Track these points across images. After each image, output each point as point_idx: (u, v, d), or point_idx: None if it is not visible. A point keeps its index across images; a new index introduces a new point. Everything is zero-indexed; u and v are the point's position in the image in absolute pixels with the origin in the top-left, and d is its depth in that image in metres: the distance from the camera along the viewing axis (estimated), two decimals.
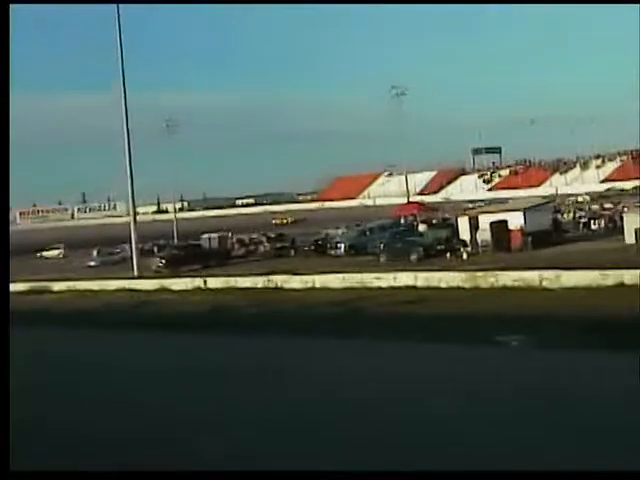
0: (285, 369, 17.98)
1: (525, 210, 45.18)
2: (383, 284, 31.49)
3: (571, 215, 62.35)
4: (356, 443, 9.52)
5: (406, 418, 12.56)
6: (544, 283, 27.71)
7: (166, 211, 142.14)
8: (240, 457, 9.05)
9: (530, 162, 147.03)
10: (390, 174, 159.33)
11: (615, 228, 48.50)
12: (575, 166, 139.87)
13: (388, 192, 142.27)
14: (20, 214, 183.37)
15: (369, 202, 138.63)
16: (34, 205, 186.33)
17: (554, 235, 45.64)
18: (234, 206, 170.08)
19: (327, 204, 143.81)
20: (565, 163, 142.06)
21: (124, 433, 10.63)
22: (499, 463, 8.43)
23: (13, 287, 46.68)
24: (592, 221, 55.34)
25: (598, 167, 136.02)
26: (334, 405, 13.37)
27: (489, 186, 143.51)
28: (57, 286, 45.37)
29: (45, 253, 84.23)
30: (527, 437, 9.75)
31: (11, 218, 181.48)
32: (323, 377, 16.44)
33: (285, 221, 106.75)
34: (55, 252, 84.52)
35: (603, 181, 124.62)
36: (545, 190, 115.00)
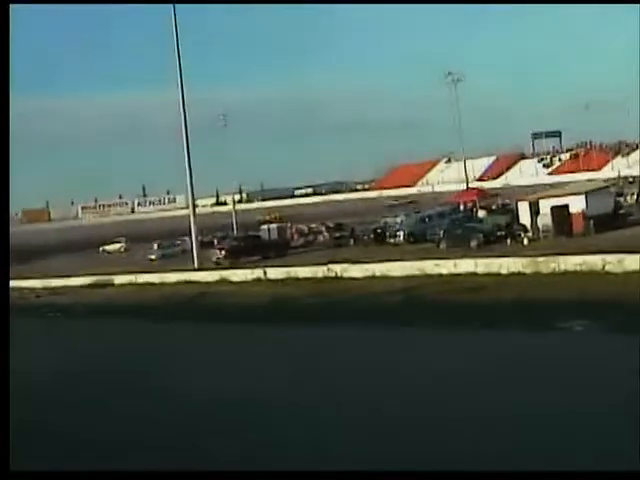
0: (349, 359, 18.01)
1: (586, 194, 44.50)
2: (443, 271, 31.24)
3: (634, 198, 61.29)
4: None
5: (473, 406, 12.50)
6: (607, 267, 27.24)
7: (225, 203, 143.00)
8: None
9: (591, 145, 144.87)
10: (449, 161, 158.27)
11: None
12: (638, 148, 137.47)
13: (447, 179, 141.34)
14: (82, 209, 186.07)
15: (428, 189, 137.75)
16: (95, 200, 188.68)
17: (616, 219, 44.89)
18: (293, 196, 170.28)
19: (385, 192, 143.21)
20: (627, 145, 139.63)
21: None
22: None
23: (77, 281, 47.52)
24: None
25: None
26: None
27: (549, 170, 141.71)
28: (119, 279, 45.88)
29: (107, 247, 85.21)
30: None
31: (73, 213, 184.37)
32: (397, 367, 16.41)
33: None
34: (117, 246, 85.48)
35: None
36: (607, 173, 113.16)
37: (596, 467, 9.18)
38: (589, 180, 76.64)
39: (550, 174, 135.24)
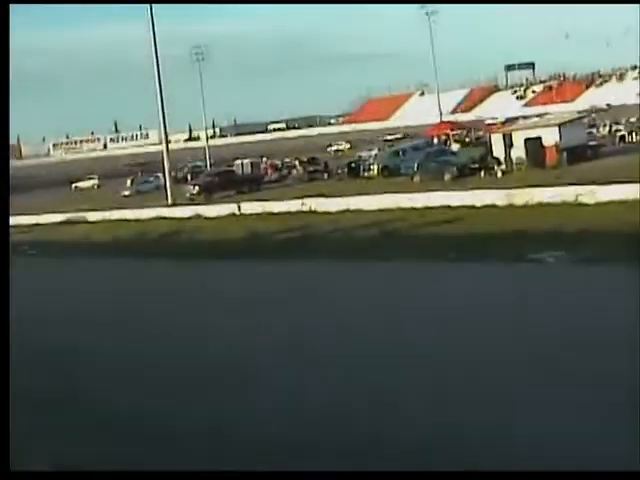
0: (321, 290, 18.14)
1: (559, 126, 44.48)
2: (417, 205, 31.26)
3: (607, 129, 61.45)
4: None
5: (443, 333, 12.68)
6: (580, 199, 27.36)
7: (198, 138, 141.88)
8: None
9: (564, 76, 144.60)
10: (422, 94, 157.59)
11: None
12: (611, 79, 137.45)
13: (420, 112, 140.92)
14: (54, 145, 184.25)
15: (401, 123, 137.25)
16: (67, 137, 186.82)
17: (589, 150, 44.99)
18: (266, 131, 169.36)
19: (359, 126, 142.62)
20: (601, 76, 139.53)
21: None
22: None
23: (50, 218, 47.19)
24: (630, 134, 54.48)
25: (635, 79, 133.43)
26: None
27: (523, 103, 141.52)
28: (92, 216, 45.63)
29: (79, 184, 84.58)
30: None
31: (45, 150, 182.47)
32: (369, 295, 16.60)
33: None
34: (89, 183, 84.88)
35: None
36: (580, 105, 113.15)
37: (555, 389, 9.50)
38: (562, 113, 76.58)
39: (524, 106, 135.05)
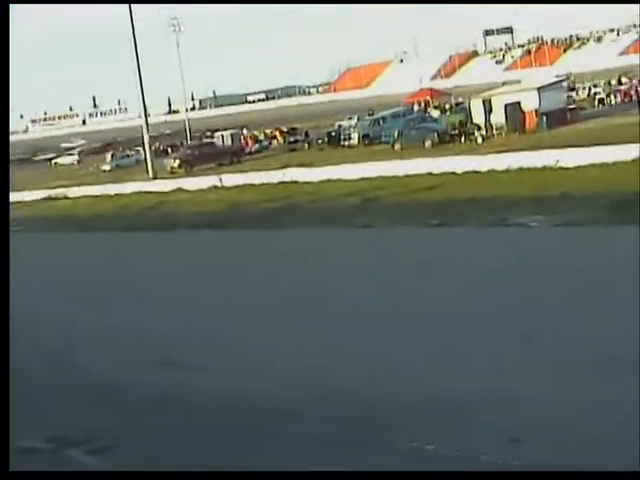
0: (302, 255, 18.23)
1: (538, 90, 44.53)
2: (398, 172, 31.27)
3: (586, 92, 61.48)
4: None
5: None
6: (560, 163, 27.45)
7: (177, 112, 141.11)
8: None
9: (543, 40, 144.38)
10: (401, 61, 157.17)
11: (632, 102, 47.87)
12: (589, 41, 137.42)
13: (400, 80, 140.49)
14: (32, 122, 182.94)
15: (381, 91, 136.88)
16: (45, 113, 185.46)
17: (569, 113, 45.11)
18: (246, 102, 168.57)
19: (338, 95, 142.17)
20: (579, 39, 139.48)
21: None
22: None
23: (31, 195, 46.95)
24: (608, 97, 54.60)
25: (613, 41, 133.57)
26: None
27: (502, 67, 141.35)
28: (74, 192, 45.41)
29: (59, 160, 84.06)
30: None
31: (23, 127, 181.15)
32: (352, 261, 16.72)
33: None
34: (69, 159, 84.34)
35: (621, 55, 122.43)
36: (560, 68, 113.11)
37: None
38: (541, 76, 76.52)
39: (503, 71, 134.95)
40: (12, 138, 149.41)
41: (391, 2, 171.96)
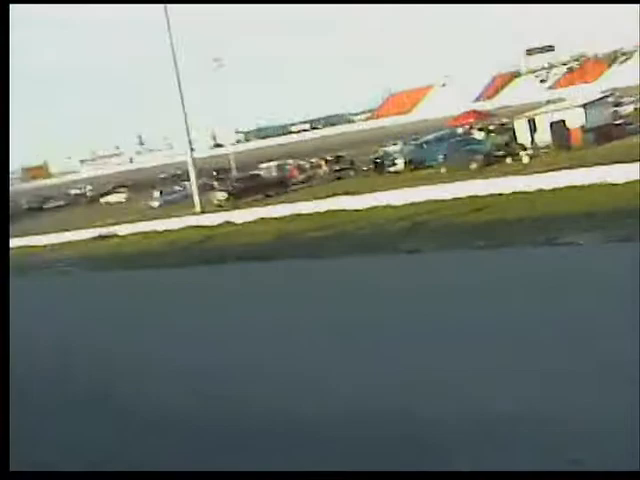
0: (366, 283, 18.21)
1: (584, 106, 44.23)
2: (445, 196, 31.16)
3: (632, 107, 60.90)
4: None
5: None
6: (609, 179, 27.14)
7: (222, 145, 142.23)
8: None
9: (586, 56, 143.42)
10: (443, 85, 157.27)
11: None
12: (633, 55, 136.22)
13: (443, 103, 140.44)
14: (81, 162, 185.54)
15: (424, 116, 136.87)
16: (92, 153, 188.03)
17: (615, 129, 44.67)
18: (290, 133, 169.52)
19: (381, 121, 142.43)
20: (623, 54, 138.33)
21: None
22: None
23: (82, 235, 47.57)
24: None
25: None
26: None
27: (545, 86, 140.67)
28: (123, 229, 45.91)
29: (108, 198, 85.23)
30: None
31: (72, 167, 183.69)
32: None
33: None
34: (118, 197, 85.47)
35: None
36: (605, 83, 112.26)
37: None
38: (586, 93, 76.04)
39: (547, 89, 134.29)
40: (63, 179, 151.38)
41: (429, 28, 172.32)
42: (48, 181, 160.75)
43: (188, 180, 58.01)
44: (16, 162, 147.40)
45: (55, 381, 13.26)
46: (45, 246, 47.64)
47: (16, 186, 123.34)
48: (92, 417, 10.96)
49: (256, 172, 62.05)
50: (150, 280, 26.09)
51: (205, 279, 24.20)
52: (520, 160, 40.97)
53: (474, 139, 51.63)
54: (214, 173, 78.92)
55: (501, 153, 43.22)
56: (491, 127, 59.78)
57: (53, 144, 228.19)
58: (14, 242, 48.68)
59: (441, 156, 45.65)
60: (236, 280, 22.85)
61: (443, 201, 30.34)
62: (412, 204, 31.14)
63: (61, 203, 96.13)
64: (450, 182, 33.59)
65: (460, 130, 64.21)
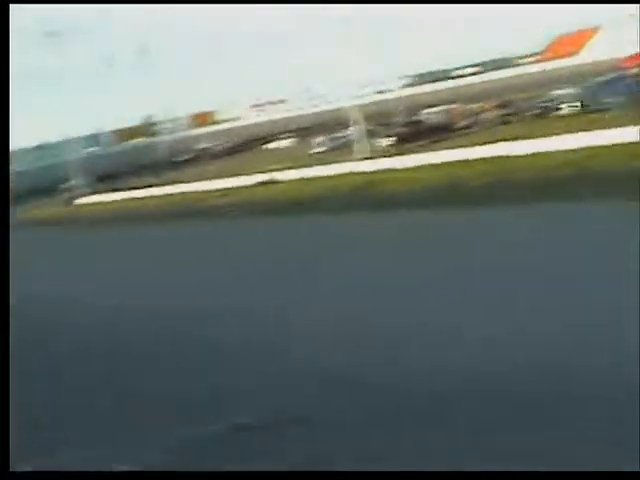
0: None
1: None
2: (616, 141, 30.04)
3: None
4: None
5: None
6: None
7: (385, 91, 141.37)
8: None
9: None
10: (611, 26, 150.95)
11: None
12: None
13: (612, 45, 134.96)
14: (251, 107, 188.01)
15: (592, 58, 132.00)
16: (257, 99, 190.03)
17: None
18: (453, 77, 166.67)
19: (548, 65, 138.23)
20: None
21: None
22: None
23: (248, 180, 48.56)
24: None
25: None
26: None
27: None
28: (286, 175, 46.49)
29: (272, 145, 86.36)
30: None
31: (236, 114, 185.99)
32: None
33: None
34: (284, 142, 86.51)
35: None
36: None
37: None
38: None
39: None
40: (227, 126, 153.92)
41: None
42: (212, 128, 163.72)
43: (353, 126, 58.27)
44: (184, 109, 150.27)
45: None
46: (209, 191, 48.63)
47: (183, 133, 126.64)
48: None
49: (420, 117, 61.68)
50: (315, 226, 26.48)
51: (365, 227, 24.32)
52: None
53: None
54: (377, 119, 78.78)
55: None
56: None
57: (220, 92, 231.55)
58: (187, 187, 50.27)
59: (611, 100, 44.11)
60: (405, 228, 22.85)
61: (614, 146, 29.33)
62: (576, 150, 30.14)
63: (227, 147, 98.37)
64: (621, 127, 32.40)
65: (633, 72, 61.68)
